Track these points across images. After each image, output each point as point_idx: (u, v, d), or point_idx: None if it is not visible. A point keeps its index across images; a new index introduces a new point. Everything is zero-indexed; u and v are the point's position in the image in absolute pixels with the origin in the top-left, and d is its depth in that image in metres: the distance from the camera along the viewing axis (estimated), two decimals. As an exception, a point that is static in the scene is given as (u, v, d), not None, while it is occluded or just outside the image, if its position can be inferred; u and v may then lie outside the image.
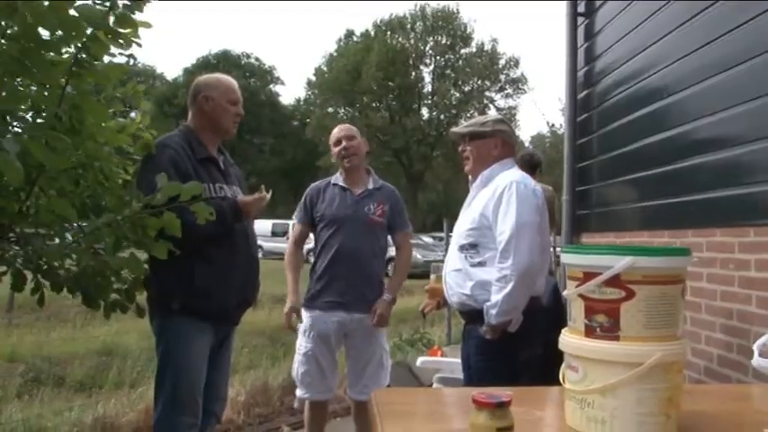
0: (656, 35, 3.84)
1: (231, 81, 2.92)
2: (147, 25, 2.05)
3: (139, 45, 1.99)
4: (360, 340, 3.54)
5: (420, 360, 4.82)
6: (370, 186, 3.62)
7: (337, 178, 3.64)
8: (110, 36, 1.88)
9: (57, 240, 2.15)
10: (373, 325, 3.49)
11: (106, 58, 1.96)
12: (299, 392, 3.62)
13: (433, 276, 3.17)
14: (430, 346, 6.60)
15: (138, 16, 1.96)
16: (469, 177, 2.99)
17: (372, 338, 3.55)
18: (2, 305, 8.67)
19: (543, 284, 2.85)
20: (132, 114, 2.58)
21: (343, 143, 3.57)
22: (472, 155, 2.92)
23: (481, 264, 2.73)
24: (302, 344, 3.54)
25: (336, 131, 3.67)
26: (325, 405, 3.71)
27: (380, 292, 3.55)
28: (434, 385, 4.11)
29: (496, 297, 2.60)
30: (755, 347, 1.75)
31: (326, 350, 3.52)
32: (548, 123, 38.12)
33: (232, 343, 2.98)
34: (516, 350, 2.69)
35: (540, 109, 72.95)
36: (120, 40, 1.91)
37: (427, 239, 24.03)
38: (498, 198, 2.70)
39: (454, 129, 3.07)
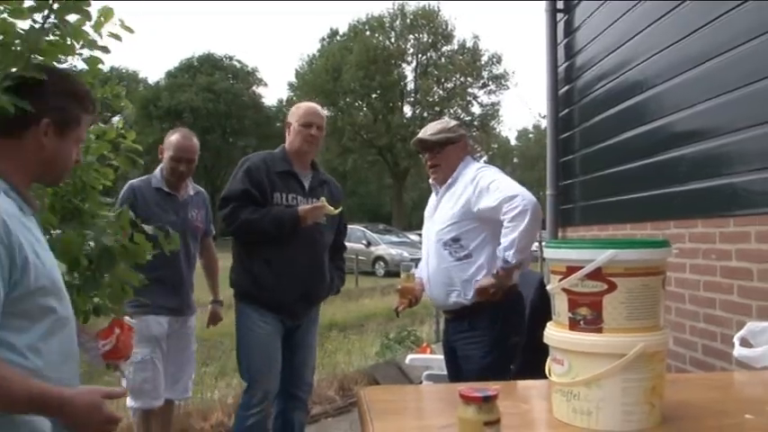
0: (635, 30, 3.88)
1: (308, 106, 3.37)
2: (129, 30, 2.05)
3: (119, 39, 1.99)
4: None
5: (409, 358, 4.84)
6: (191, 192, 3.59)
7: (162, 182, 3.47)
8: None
9: None
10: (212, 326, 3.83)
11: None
12: (139, 403, 3.33)
13: (403, 275, 3.11)
14: (418, 344, 6.61)
15: (119, 19, 1.96)
16: (431, 182, 3.05)
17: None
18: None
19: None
20: (115, 119, 2.56)
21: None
22: (445, 161, 2.94)
23: (467, 257, 2.78)
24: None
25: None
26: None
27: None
28: (424, 382, 4.13)
29: (512, 235, 2.63)
30: (736, 339, 1.78)
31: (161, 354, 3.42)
32: (539, 114, 38.10)
33: (312, 332, 3.39)
34: (509, 336, 2.80)
35: (527, 103, 73.38)
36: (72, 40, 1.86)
37: (414, 237, 24.00)
38: (475, 188, 2.77)
39: (422, 137, 2.98)
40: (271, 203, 3.11)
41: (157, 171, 3.49)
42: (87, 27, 1.92)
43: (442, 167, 2.94)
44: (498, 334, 2.78)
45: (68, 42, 1.80)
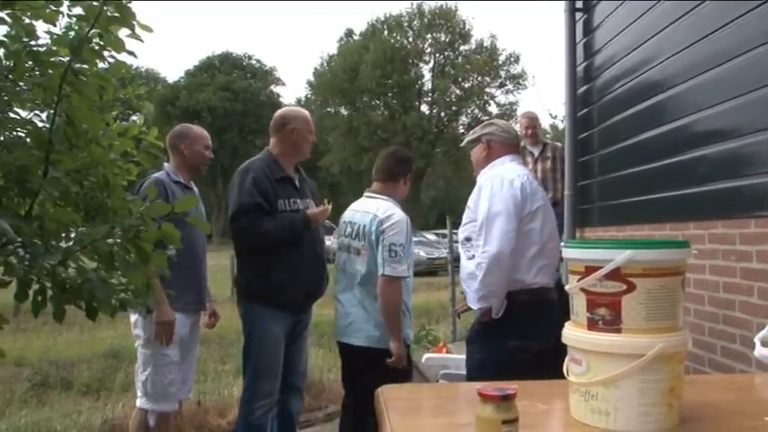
0: (655, 29, 3.85)
1: (308, 114, 3.60)
2: (148, 29, 2.07)
3: (141, 40, 2.03)
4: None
5: (425, 357, 4.85)
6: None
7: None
8: (100, 45, 1.91)
9: (62, 244, 2.18)
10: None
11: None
12: (162, 406, 3.27)
13: None
14: (435, 343, 6.61)
15: (136, 21, 2.00)
16: None
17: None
18: (8, 310, 8.71)
19: (550, 275, 2.94)
20: (134, 117, 2.60)
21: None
22: (474, 159, 3.18)
23: (474, 257, 2.88)
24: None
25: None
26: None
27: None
28: (440, 381, 4.13)
29: (475, 284, 2.80)
30: (757, 339, 1.77)
31: None
32: (550, 115, 37.89)
33: (308, 326, 3.56)
34: (504, 339, 2.79)
35: (545, 103, 72.80)
36: (110, 49, 1.94)
37: (431, 237, 23.97)
38: (477, 196, 2.91)
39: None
40: (276, 211, 3.25)
41: (169, 166, 3.42)
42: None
43: (474, 165, 3.18)
44: (491, 334, 2.84)
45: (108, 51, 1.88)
